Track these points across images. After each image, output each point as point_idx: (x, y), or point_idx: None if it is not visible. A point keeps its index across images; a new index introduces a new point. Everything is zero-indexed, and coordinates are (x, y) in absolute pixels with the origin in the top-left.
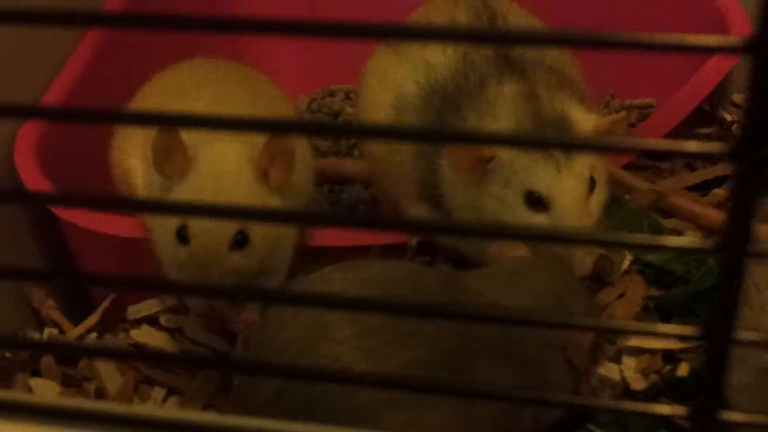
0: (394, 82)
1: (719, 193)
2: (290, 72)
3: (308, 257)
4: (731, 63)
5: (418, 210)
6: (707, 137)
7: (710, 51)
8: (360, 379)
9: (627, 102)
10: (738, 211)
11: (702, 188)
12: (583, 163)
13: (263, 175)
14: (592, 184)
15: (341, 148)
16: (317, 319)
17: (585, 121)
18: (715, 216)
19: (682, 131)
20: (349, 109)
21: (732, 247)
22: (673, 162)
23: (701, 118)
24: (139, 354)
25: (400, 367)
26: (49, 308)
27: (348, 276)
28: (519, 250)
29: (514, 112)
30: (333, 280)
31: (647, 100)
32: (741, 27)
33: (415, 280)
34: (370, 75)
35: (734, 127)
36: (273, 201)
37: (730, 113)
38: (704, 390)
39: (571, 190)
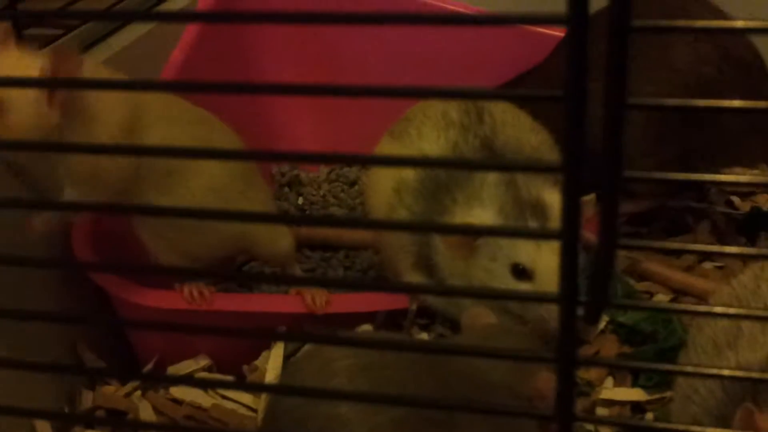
0: (395, 171)
1: (690, 257)
2: (311, 144)
3: (322, 322)
4: None
5: (414, 277)
6: None
7: (536, 22)
8: None
9: None
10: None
11: (678, 252)
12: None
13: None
14: None
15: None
16: (321, 380)
17: (557, 202)
18: (683, 279)
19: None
20: (364, 178)
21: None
22: (650, 228)
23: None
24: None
25: (392, 419)
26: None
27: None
28: (488, 318)
29: (497, 196)
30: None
31: None
32: None
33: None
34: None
35: None
36: (52, 118)
37: None
38: None
39: (550, 261)
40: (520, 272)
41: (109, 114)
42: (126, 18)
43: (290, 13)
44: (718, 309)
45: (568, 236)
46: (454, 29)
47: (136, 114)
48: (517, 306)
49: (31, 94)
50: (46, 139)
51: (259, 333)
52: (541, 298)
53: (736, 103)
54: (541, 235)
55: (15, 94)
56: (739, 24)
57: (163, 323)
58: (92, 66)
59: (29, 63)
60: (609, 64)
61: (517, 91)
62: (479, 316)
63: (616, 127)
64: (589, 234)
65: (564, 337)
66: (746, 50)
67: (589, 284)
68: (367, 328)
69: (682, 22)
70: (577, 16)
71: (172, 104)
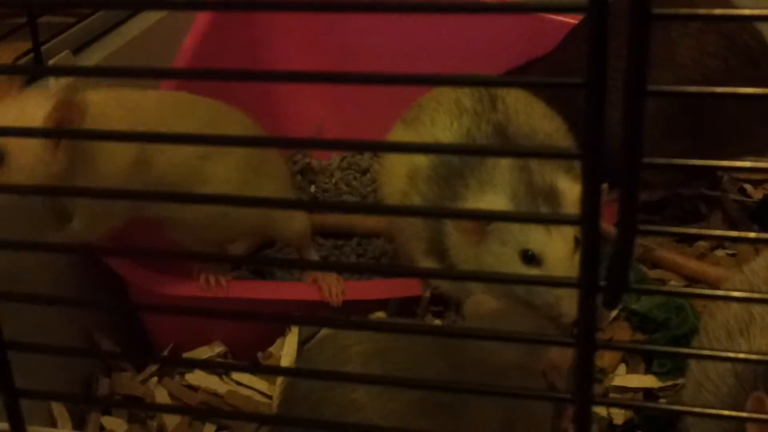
0: (409, 157)
1: (702, 245)
2: (324, 132)
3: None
4: None
5: (427, 263)
6: None
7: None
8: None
9: None
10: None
11: (689, 239)
12: (568, 230)
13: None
14: (577, 242)
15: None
16: (335, 366)
17: (570, 190)
18: (696, 266)
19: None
20: (376, 166)
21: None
22: (663, 216)
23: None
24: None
25: (407, 403)
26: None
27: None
28: (490, 304)
29: (510, 182)
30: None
31: None
32: None
33: (417, 340)
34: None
35: None
36: (59, 164)
37: None
38: None
39: (560, 248)
40: (530, 258)
41: (117, 155)
42: (138, 6)
43: (301, 1)
44: (735, 293)
45: (589, 222)
46: (466, 18)
47: (145, 150)
48: (523, 291)
49: (36, 143)
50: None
51: (274, 318)
52: (562, 284)
53: (752, 90)
54: (563, 221)
55: (20, 142)
56: (762, 12)
57: (179, 307)
58: (100, 97)
59: (34, 111)
60: (630, 52)
61: (538, 79)
62: (482, 304)
63: (636, 114)
64: (605, 223)
65: (584, 321)
66: (752, 38)
67: (608, 270)
68: (380, 315)
69: (702, 11)
70: (597, 3)
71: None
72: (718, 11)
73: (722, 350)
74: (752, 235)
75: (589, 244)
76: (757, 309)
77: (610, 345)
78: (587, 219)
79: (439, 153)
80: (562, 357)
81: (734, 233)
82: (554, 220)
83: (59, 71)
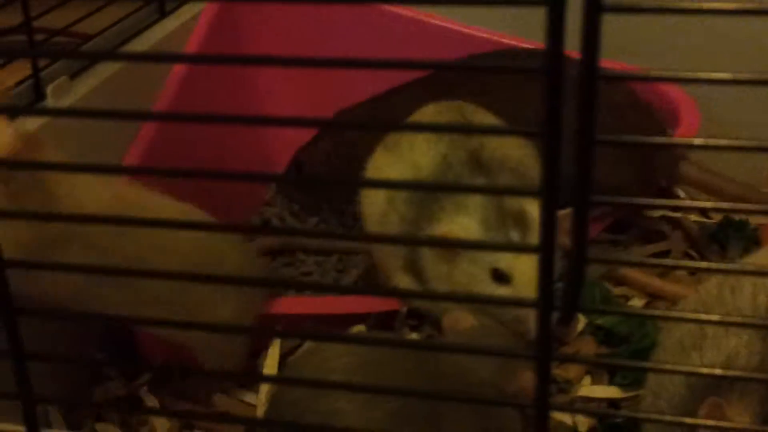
0: (388, 177)
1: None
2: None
3: (318, 323)
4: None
5: (404, 280)
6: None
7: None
8: None
9: None
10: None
11: (643, 265)
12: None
13: None
14: None
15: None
16: (317, 377)
17: (538, 215)
18: (657, 284)
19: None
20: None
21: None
22: (628, 234)
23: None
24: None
25: (387, 413)
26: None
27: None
28: (467, 320)
29: (482, 206)
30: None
31: None
32: (692, 117)
33: (397, 354)
34: (370, 170)
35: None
36: None
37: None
38: None
39: (527, 267)
40: (500, 276)
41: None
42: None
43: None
44: (675, 314)
45: (545, 251)
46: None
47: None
48: (494, 308)
49: None
50: None
51: (257, 330)
52: (521, 303)
53: (698, 141)
54: (521, 248)
55: None
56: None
57: (157, 320)
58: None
59: None
60: (580, 108)
61: (500, 127)
62: (459, 320)
63: (586, 161)
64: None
65: (541, 336)
66: (623, 97)
67: (562, 292)
68: (360, 329)
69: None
70: (553, 70)
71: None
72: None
73: (676, 364)
74: (689, 263)
75: (544, 270)
76: (708, 326)
77: (565, 357)
78: (544, 247)
79: (410, 189)
80: (531, 382)
81: (672, 261)
82: (514, 248)
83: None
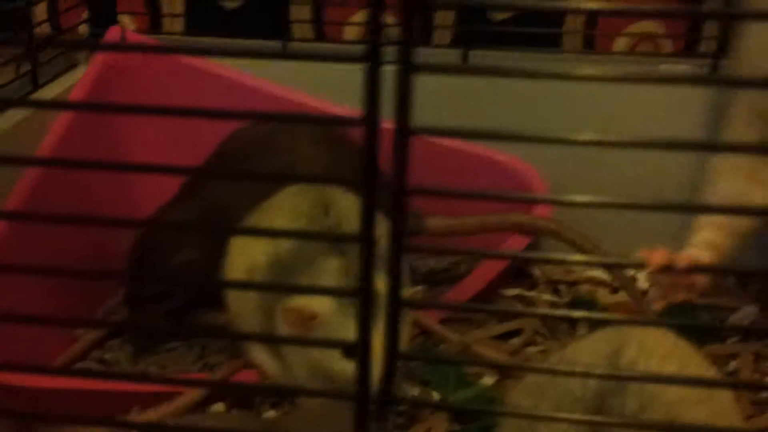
0: (249, 251)
1: (516, 342)
2: None
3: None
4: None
5: (261, 353)
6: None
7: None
8: None
9: None
10: None
11: (506, 336)
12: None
13: None
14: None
15: None
16: None
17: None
18: (508, 362)
19: (495, 286)
20: None
21: None
22: (486, 314)
23: (516, 273)
24: None
25: None
26: None
27: None
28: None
29: (335, 282)
30: None
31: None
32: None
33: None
34: (233, 243)
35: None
36: None
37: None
38: None
39: (377, 344)
40: (351, 351)
41: None
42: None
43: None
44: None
45: (364, 294)
46: None
47: None
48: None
49: None
50: None
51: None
52: (339, 396)
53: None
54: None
55: None
56: None
57: None
58: None
59: None
60: (394, 164)
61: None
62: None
63: (399, 210)
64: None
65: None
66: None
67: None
68: (219, 406)
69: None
70: (370, 123)
71: None
72: None
73: None
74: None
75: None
76: (542, 405)
77: None
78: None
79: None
80: None
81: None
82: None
83: None
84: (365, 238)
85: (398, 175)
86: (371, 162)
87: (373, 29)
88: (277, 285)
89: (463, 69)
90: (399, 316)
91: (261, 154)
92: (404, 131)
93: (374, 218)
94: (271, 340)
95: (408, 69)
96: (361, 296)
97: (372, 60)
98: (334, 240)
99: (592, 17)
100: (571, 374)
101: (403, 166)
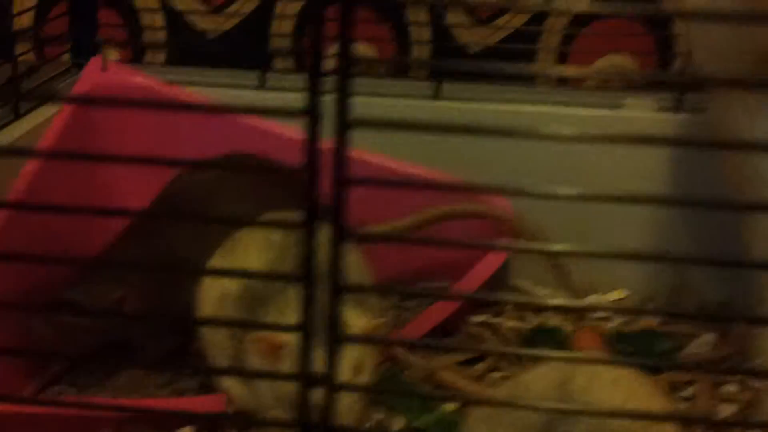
0: (221, 281)
1: (480, 367)
2: None
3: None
4: (502, 258)
5: (230, 380)
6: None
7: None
8: None
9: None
10: None
11: (472, 362)
12: (352, 352)
13: None
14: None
15: None
16: None
17: (355, 324)
18: (475, 388)
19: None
20: None
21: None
22: (453, 339)
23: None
24: None
25: None
26: None
27: None
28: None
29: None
30: None
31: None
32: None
33: None
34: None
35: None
36: None
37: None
38: None
39: (342, 372)
40: (316, 380)
41: None
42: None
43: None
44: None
45: (305, 329)
46: None
47: None
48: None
49: None
50: None
51: None
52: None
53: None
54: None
55: None
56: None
57: None
58: None
59: None
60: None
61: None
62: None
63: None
64: None
65: None
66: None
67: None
68: (186, 430)
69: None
70: (310, 164)
71: None
72: None
73: None
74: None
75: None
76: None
77: None
78: (303, 326)
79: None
80: None
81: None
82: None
83: None
84: (306, 278)
85: (338, 167)
86: (311, 208)
87: (312, 85)
88: (230, 322)
89: (401, 125)
90: (338, 303)
91: (208, 198)
92: (344, 124)
93: (313, 261)
94: (238, 373)
95: (344, 125)
96: (303, 330)
97: (311, 114)
98: (274, 278)
99: (562, 56)
100: (522, 407)
101: (343, 158)
